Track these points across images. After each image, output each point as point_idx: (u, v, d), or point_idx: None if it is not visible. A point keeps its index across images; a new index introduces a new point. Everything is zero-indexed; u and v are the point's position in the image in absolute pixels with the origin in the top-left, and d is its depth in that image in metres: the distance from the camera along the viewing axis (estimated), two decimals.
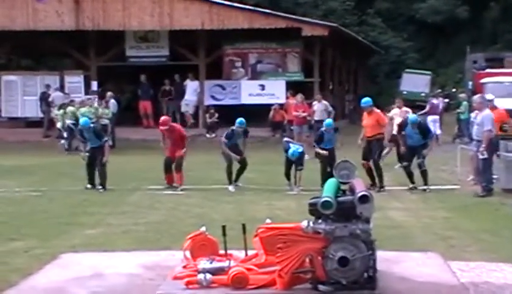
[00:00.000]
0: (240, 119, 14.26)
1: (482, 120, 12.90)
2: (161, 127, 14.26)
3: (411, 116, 14.57)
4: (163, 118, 14.69)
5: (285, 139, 16.15)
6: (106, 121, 21.49)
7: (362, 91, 37.42)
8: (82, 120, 15.31)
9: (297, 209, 10.64)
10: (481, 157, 12.76)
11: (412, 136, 13.78)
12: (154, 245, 8.56)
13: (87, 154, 14.22)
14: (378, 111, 14.85)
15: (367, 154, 14.00)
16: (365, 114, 14.38)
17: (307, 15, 31.18)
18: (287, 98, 23.89)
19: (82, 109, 21.92)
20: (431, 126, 23.21)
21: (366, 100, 14.41)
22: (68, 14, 23.86)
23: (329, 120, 15.16)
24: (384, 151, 15.45)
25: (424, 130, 13.96)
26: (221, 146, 14.28)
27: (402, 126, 14.47)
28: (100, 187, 13.89)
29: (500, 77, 25.88)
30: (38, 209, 11.85)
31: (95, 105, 22.49)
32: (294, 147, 13.85)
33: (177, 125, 15.08)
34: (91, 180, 14.08)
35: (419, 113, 21.63)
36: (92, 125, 14.84)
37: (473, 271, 7.09)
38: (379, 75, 41.97)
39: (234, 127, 14.22)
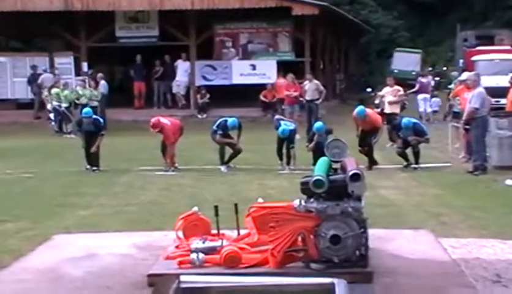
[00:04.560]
0: (233, 120, 13.91)
1: (471, 98, 12.93)
2: (152, 130, 13.81)
3: (405, 120, 14.25)
4: (153, 120, 13.80)
5: (276, 117, 16.14)
6: (95, 103, 21.37)
7: (353, 70, 37.50)
8: (85, 110, 14.85)
9: (290, 188, 10.65)
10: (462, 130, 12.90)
11: (407, 135, 13.80)
12: (146, 226, 8.56)
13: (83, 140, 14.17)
14: (371, 111, 14.77)
15: (363, 141, 13.97)
16: (360, 121, 14.16)
17: None
18: (277, 78, 23.86)
19: (65, 92, 21.85)
20: (421, 104, 23.44)
21: (360, 110, 14.09)
22: None
23: (319, 124, 14.10)
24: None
25: (418, 132, 13.91)
26: (213, 135, 14.03)
27: (396, 127, 14.46)
28: (95, 168, 13.88)
29: (491, 54, 25.91)
30: (29, 190, 11.83)
31: (87, 86, 22.40)
32: (285, 125, 13.84)
33: (168, 124, 13.81)
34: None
35: (409, 91, 21.68)
36: (94, 116, 14.46)
37: (464, 248, 7.13)
38: (370, 53, 41.97)
39: (228, 122, 13.89)
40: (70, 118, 21.41)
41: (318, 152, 12.13)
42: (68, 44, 25.92)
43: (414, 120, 14.63)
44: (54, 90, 22.01)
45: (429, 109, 23.51)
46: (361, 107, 14.48)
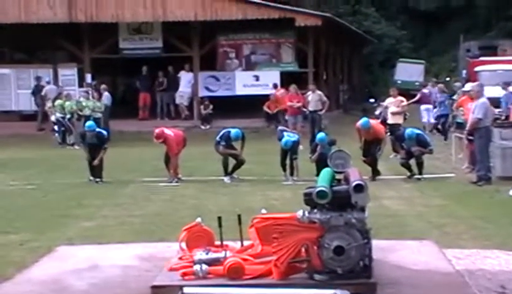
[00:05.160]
0: (236, 131, 13.94)
1: (474, 108, 12.94)
2: (155, 141, 13.85)
3: (408, 131, 14.13)
4: (157, 131, 13.84)
5: (280, 128, 16.14)
6: (99, 115, 21.41)
7: (356, 81, 37.53)
8: (88, 123, 14.82)
9: (293, 199, 10.65)
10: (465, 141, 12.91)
11: (410, 146, 13.77)
12: (149, 237, 8.55)
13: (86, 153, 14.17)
14: (375, 122, 14.79)
15: (367, 151, 13.96)
16: (363, 132, 14.15)
17: (301, 5, 31.16)
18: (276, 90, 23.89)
19: (67, 103, 21.90)
20: (424, 115, 23.43)
21: (365, 122, 14.09)
22: (61, 6, 23.82)
23: (322, 135, 14.25)
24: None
25: (422, 143, 13.87)
26: (217, 146, 14.03)
27: (399, 138, 14.44)
28: (98, 179, 13.89)
29: (494, 65, 25.92)
30: (33, 202, 11.84)
31: (90, 97, 22.46)
32: (288, 137, 13.85)
33: (171, 135, 13.87)
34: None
35: (410, 102, 21.69)
36: (97, 130, 14.46)
37: (468, 258, 7.11)
38: (373, 64, 42.04)
39: (231, 133, 13.91)
40: (71, 129, 21.44)
41: (321, 163, 12.13)
42: (72, 55, 26.02)
43: (417, 131, 14.60)
44: (57, 102, 22.07)
45: (432, 120, 23.48)
46: (365, 119, 14.48)
